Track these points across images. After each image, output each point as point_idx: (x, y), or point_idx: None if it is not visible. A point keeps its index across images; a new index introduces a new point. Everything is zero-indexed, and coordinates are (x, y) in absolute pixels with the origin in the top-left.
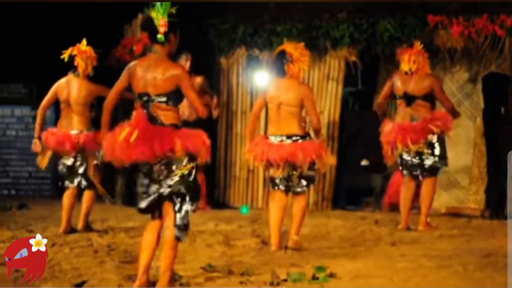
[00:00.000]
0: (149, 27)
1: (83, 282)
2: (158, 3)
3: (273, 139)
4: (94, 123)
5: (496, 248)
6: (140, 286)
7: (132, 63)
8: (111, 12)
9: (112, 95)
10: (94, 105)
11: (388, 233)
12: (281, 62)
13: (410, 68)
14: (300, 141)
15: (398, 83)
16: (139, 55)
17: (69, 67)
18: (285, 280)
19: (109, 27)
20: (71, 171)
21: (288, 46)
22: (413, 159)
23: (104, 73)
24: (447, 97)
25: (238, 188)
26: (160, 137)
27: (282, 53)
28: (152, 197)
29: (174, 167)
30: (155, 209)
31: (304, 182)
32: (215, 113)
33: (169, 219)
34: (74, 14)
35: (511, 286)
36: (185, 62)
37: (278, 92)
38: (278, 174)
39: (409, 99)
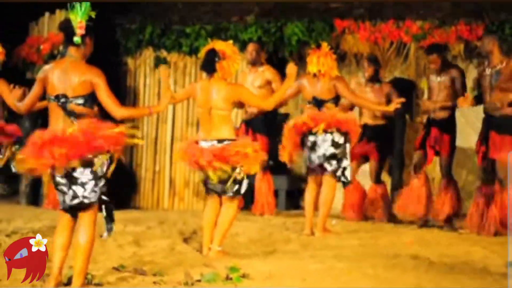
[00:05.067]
0: (67, 28)
1: None
2: (78, 5)
3: (204, 144)
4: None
5: (403, 249)
6: (54, 286)
7: (46, 68)
8: (15, 10)
9: (27, 103)
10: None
11: (297, 235)
12: (212, 61)
13: (319, 69)
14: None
15: (306, 87)
16: (47, 55)
17: None
18: (199, 281)
19: (13, 25)
20: None
21: (218, 44)
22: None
23: (7, 72)
24: (355, 94)
25: (144, 189)
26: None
27: (213, 52)
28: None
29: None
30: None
31: (236, 187)
32: None
33: (82, 223)
34: None
35: None
36: None
37: (208, 95)
38: (210, 178)
39: (319, 103)
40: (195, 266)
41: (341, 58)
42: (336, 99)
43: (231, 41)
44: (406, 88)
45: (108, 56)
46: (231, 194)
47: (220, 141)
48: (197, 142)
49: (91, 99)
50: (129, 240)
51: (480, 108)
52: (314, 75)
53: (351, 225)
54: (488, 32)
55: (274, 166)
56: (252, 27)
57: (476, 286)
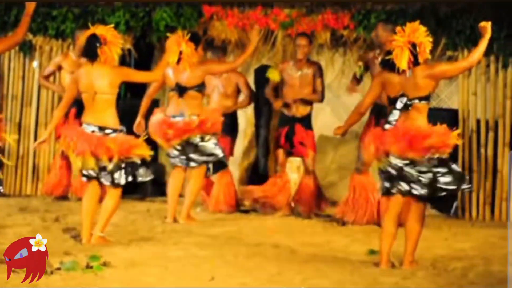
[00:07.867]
0: None
1: None
2: None
3: (86, 127)
4: None
5: (266, 238)
6: None
7: None
8: None
9: None
10: None
11: (160, 222)
12: (93, 46)
13: (179, 58)
14: (112, 135)
15: (169, 74)
16: None
17: None
18: (59, 269)
19: None
20: None
21: (99, 29)
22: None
23: None
24: (225, 63)
25: (7, 175)
26: None
27: (94, 37)
28: None
29: None
30: None
31: (115, 175)
32: None
33: None
34: None
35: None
36: None
37: (92, 80)
38: (88, 165)
39: (181, 90)
40: (55, 254)
41: (209, 44)
42: (201, 87)
43: (112, 25)
44: None
45: None
46: (107, 183)
47: (101, 128)
48: (80, 124)
49: None
50: None
51: (346, 98)
52: (178, 62)
53: (216, 213)
54: (382, 22)
55: None
56: (119, 11)
57: (336, 274)
